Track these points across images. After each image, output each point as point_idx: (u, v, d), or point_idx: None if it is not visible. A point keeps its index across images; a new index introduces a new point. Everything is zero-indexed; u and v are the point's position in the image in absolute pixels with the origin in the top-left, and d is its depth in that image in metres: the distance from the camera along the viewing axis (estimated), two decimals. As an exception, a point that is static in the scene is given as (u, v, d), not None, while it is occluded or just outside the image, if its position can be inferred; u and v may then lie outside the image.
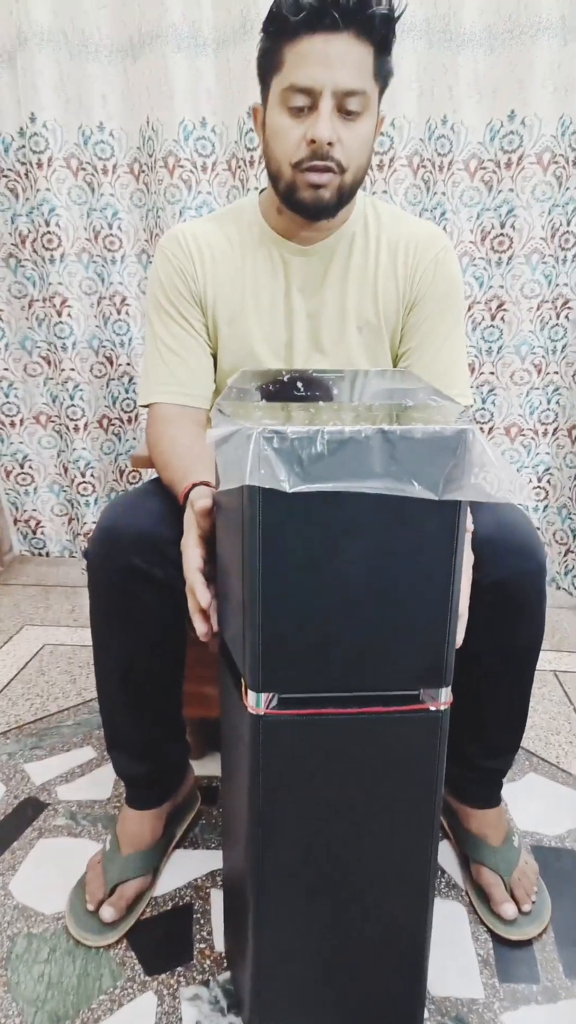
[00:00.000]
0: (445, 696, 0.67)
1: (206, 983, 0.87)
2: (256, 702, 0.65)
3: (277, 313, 0.98)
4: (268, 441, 0.57)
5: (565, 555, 1.81)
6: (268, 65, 0.85)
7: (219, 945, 0.91)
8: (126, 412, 1.84)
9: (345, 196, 0.88)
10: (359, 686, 0.66)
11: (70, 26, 1.55)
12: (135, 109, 1.60)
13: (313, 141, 0.82)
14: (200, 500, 0.75)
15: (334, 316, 0.98)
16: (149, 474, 1.79)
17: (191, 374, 0.98)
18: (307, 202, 0.87)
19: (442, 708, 0.67)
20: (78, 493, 1.85)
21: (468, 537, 0.72)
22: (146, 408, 1.00)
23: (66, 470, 1.89)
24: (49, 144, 1.59)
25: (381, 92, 0.86)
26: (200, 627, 0.72)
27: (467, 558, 0.71)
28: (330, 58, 0.79)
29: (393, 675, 0.66)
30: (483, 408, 1.75)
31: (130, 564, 0.82)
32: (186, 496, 0.80)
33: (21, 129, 1.62)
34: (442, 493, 0.59)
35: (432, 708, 0.67)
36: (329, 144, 0.82)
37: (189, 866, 1.04)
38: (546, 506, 1.83)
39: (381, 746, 0.68)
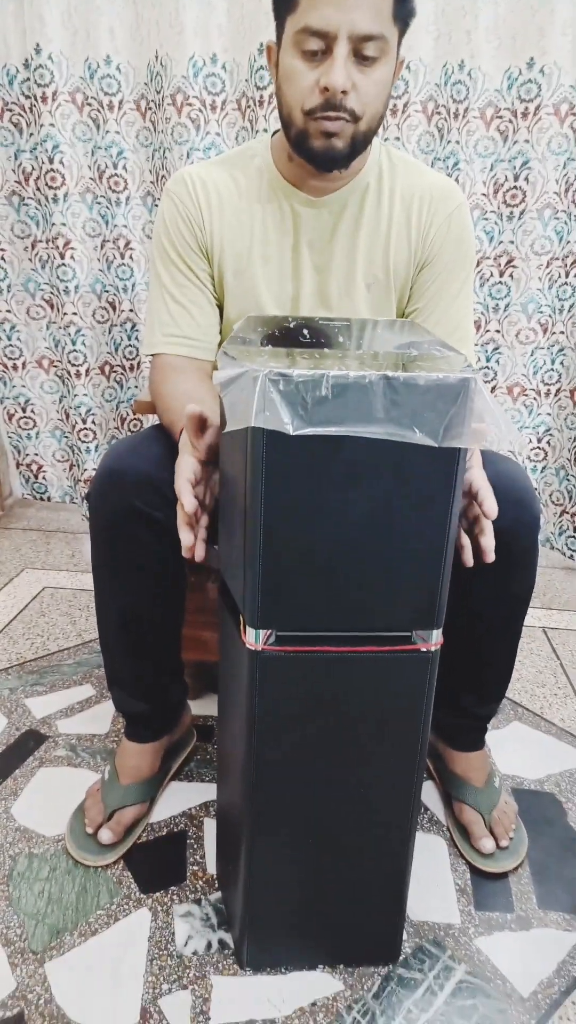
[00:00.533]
0: (436, 638, 0.70)
1: (198, 901, 0.92)
2: (255, 638, 0.68)
3: (284, 266, 0.96)
4: (274, 383, 0.58)
5: (560, 516, 1.84)
6: (283, 3, 0.81)
7: (211, 868, 0.96)
8: (128, 359, 1.83)
9: (359, 145, 0.85)
10: (354, 626, 0.69)
11: (78, -49, 1.49)
12: (144, 43, 1.55)
13: (326, 89, 0.79)
14: (189, 407, 0.73)
15: (342, 271, 0.96)
16: (151, 421, 1.80)
17: (196, 325, 0.97)
18: (318, 151, 0.84)
19: (433, 649, 0.70)
20: (79, 439, 1.86)
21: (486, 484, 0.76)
22: (149, 356, 1.00)
23: (67, 416, 1.89)
24: (54, 77, 1.54)
25: (401, 34, 0.82)
26: (186, 538, 0.71)
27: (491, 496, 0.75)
28: (346, 0, 0.75)
29: (387, 616, 0.68)
30: (487, 367, 1.75)
31: (131, 505, 0.84)
32: (181, 433, 0.81)
33: (26, 61, 1.57)
34: (442, 440, 0.60)
35: (423, 649, 0.70)
36: (343, 92, 0.79)
37: (184, 797, 1.08)
38: (544, 467, 1.84)
39: (373, 684, 0.71)
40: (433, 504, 0.64)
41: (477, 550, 0.75)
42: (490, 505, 0.72)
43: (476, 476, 0.74)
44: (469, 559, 0.75)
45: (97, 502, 0.87)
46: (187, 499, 0.70)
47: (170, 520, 0.84)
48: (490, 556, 0.73)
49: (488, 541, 0.73)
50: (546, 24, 1.46)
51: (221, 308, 1.00)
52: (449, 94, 1.52)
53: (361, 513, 0.64)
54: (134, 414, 1.88)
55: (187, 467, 0.74)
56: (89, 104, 1.60)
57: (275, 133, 0.95)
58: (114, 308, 1.77)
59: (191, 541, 0.72)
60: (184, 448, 0.77)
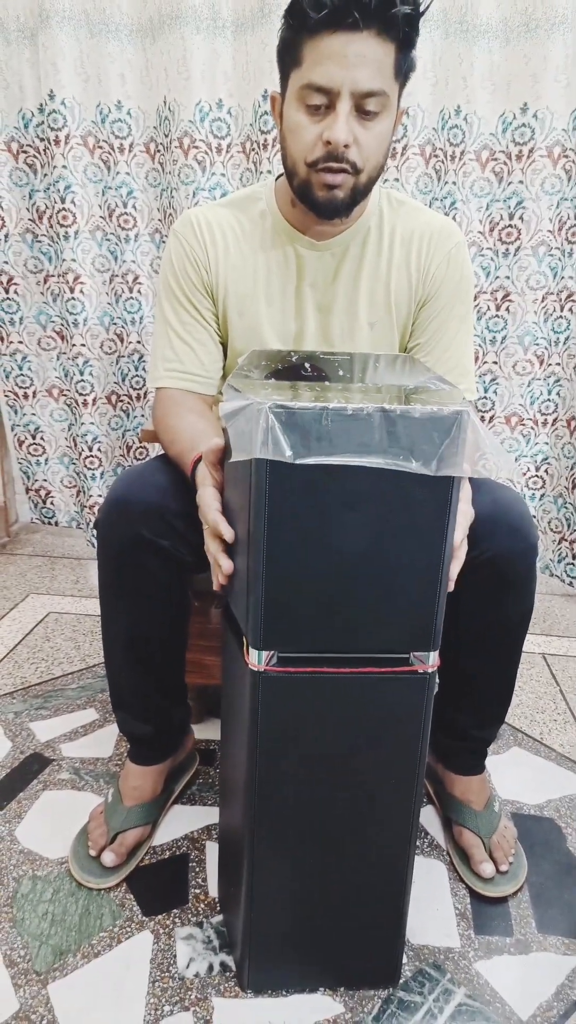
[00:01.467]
0: (433, 659, 0.72)
1: (200, 924, 0.92)
2: (257, 659, 0.70)
3: (288, 305, 0.99)
4: (276, 415, 0.61)
5: (559, 543, 1.86)
6: (288, 58, 0.85)
7: (213, 891, 0.97)
8: (135, 389, 1.88)
9: (359, 195, 0.89)
10: (354, 647, 0.71)
11: (91, 5, 1.56)
12: (153, 89, 1.62)
13: (329, 143, 0.82)
14: (212, 441, 0.78)
15: (345, 312, 0.99)
16: (156, 449, 1.84)
17: (199, 362, 1.00)
18: (321, 201, 0.87)
19: (430, 670, 0.72)
20: (85, 466, 1.89)
21: (468, 514, 0.76)
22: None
23: (75, 443, 1.93)
24: (67, 121, 1.61)
25: (402, 88, 0.86)
26: (226, 564, 0.73)
27: (462, 528, 0.74)
28: (349, 58, 0.78)
29: (385, 638, 0.71)
30: (485, 397, 1.79)
31: (138, 534, 0.86)
32: (194, 466, 0.84)
33: (40, 106, 1.64)
34: (437, 469, 0.63)
35: (420, 670, 0.72)
36: (345, 146, 0.82)
37: (186, 820, 1.09)
38: (543, 494, 1.87)
39: (372, 705, 0.73)
40: (428, 530, 0.67)
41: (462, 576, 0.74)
42: (457, 536, 0.70)
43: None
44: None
45: (105, 530, 0.89)
46: (226, 529, 0.73)
47: (175, 548, 0.87)
48: (449, 585, 0.70)
49: (452, 569, 0.70)
50: (539, 71, 1.52)
51: (225, 345, 1.04)
52: (446, 138, 1.59)
53: (360, 538, 0.66)
54: (140, 442, 1.92)
55: (213, 499, 0.76)
56: (100, 147, 1.67)
57: (279, 177, 0.98)
58: (121, 340, 1.82)
59: (229, 565, 0.74)
60: (205, 481, 0.79)
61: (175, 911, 0.94)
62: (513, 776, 1.22)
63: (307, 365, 0.80)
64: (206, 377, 1.01)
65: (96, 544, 0.93)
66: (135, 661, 0.97)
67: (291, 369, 0.80)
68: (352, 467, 0.63)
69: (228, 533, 0.73)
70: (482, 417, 1.81)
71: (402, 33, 0.80)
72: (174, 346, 1.00)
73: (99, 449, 1.88)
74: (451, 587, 0.71)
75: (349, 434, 0.62)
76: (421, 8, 0.80)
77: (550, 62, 1.51)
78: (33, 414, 1.93)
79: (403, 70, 0.84)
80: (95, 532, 0.93)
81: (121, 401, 1.88)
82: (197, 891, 0.98)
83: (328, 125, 0.82)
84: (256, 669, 0.71)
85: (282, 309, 0.99)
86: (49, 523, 2.04)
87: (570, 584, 1.85)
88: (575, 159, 1.57)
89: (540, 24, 1.49)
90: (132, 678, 0.99)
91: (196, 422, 0.94)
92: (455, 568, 0.70)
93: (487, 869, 0.98)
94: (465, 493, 0.77)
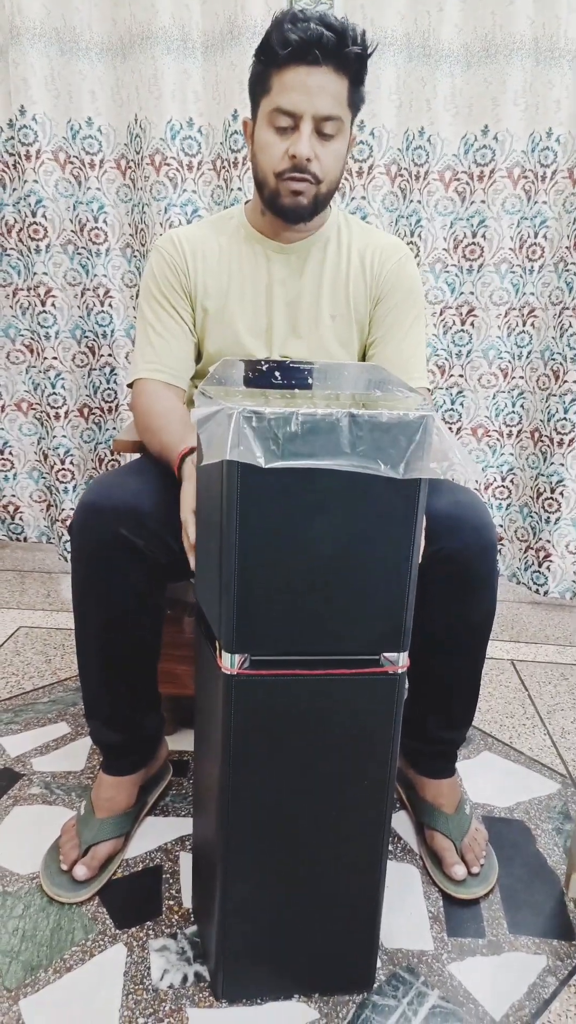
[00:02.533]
0: (403, 660, 0.73)
1: (174, 935, 0.92)
2: (230, 662, 0.71)
3: (259, 301, 1.09)
4: (247, 420, 0.62)
5: (525, 551, 1.90)
6: (258, 88, 0.98)
7: (187, 902, 0.97)
8: (107, 402, 1.88)
9: (320, 203, 1.01)
10: (325, 649, 0.72)
11: (62, 23, 1.58)
12: (124, 107, 1.64)
13: (294, 156, 0.96)
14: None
15: (310, 305, 1.09)
16: (130, 460, 1.83)
17: (174, 356, 1.08)
18: (287, 206, 1.00)
19: (400, 671, 0.74)
20: (57, 480, 1.88)
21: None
22: (130, 388, 1.09)
23: (46, 457, 1.92)
24: (38, 136, 1.62)
25: (353, 117, 1.01)
26: (193, 562, 0.81)
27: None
28: (311, 88, 0.93)
29: (356, 639, 0.72)
30: (452, 409, 1.83)
31: (115, 533, 0.87)
32: (181, 459, 0.89)
33: (10, 121, 1.65)
34: (404, 472, 0.65)
35: (391, 671, 0.73)
36: (308, 160, 0.96)
37: (159, 832, 1.09)
38: (509, 504, 1.91)
39: (344, 706, 0.74)
40: (397, 532, 0.68)
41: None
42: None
43: None
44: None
45: (79, 533, 0.90)
46: (192, 530, 0.81)
47: (150, 549, 0.88)
48: None
49: None
50: (499, 95, 1.58)
51: (200, 346, 1.11)
52: (411, 158, 1.63)
53: (330, 541, 0.68)
54: (113, 454, 1.92)
55: (192, 497, 0.82)
56: (71, 162, 1.68)
57: (247, 202, 1.11)
58: (93, 353, 1.82)
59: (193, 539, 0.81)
60: (190, 477, 0.85)
61: (148, 923, 0.93)
62: (484, 780, 1.24)
63: (277, 373, 0.82)
64: (180, 370, 1.09)
65: (70, 548, 0.94)
66: (109, 667, 0.97)
67: (262, 377, 0.81)
68: (322, 471, 0.64)
69: (193, 536, 0.80)
70: (449, 428, 1.84)
71: (354, 69, 0.95)
72: (152, 341, 1.08)
73: (71, 462, 1.88)
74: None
75: (319, 438, 0.64)
76: (369, 49, 0.96)
77: (509, 86, 1.57)
78: (1, 428, 1.92)
79: (354, 101, 0.99)
80: (69, 537, 0.93)
81: (93, 414, 1.88)
82: (171, 903, 0.97)
83: (293, 142, 0.96)
84: (229, 672, 0.71)
85: (254, 304, 1.09)
86: (17, 539, 2.02)
87: (536, 591, 1.89)
88: (534, 180, 1.63)
89: (499, 50, 1.55)
90: (105, 685, 0.99)
91: (183, 415, 1.00)
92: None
93: (459, 871, 0.99)
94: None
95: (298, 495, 0.66)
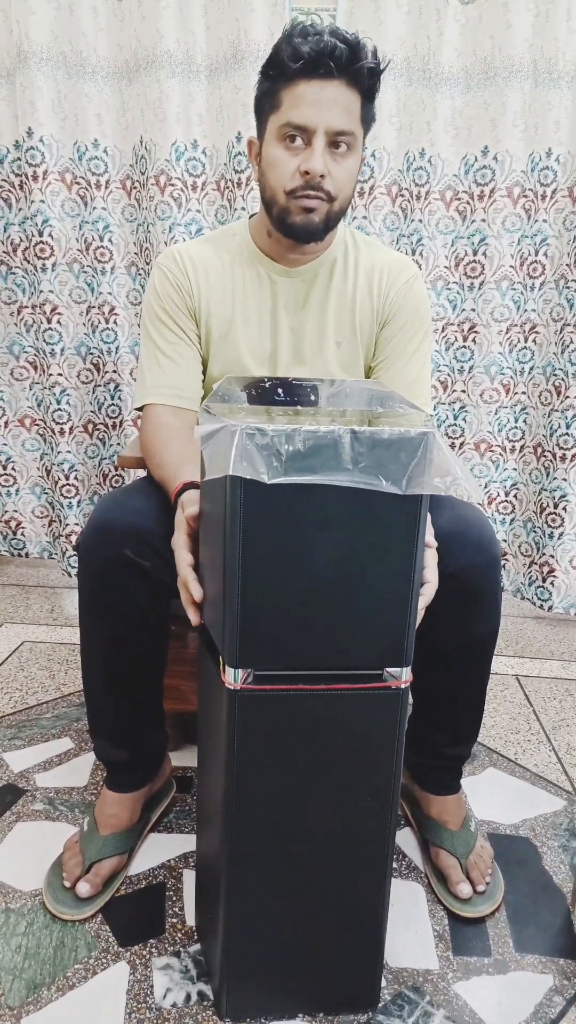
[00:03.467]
0: (405, 675, 0.73)
1: (177, 954, 0.91)
2: (233, 677, 0.71)
3: (264, 327, 1.06)
4: (250, 437, 0.63)
5: (529, 567, 1.90)
6: (266, 105, 0.95)
7: (190, 920, 0.96)
8: (111, 418, 1.89)
9: (332, 222, 0.98)
10: (328, 664, 0.72)
11: (69, 47, 1.62)
12: (129, 128, 1.67)
13: (307, 172, 0.92)
14: (190, 507, 0.83)
15: (315, 332, 1.07)
16: (134, 475, 1.85)
17: (184, 378, 1.06)
18: (299, 225, 0.96)
19: (402, 686, 0.74)
20: (61, 495, 1.89)
21: (431, 534, 0.80)
22: (139, 411, 1.07)
23: (49, 472, 1.93)
24: (45, 158, 1.65)
25: (365, 135, 0.98)
26: (193, 618, 0.80)
27: (433, 555, 0.79)
28: (323, 102, 0.90)
29: (359, 655, 0.72)
30: (455, 424, 1.84)
31: (121, 554, 0.88)
32: (177, 494, 0.87)
33: (17, 142, 1.68)
34: (406, 488, 0.66)
35: (393, 686, 0.73)
36: (321, 176, 0.92)
37: (163, 848, 1.08)
38: (512, 519, 1.91)
39: (347, 721, 0.75)
40: (399, 547, 0.69)
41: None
42: (428, 575, 0.76)
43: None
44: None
45: (87, 552, 0.90)
46: (195, 588, 0.78)
47: (157, 569, 0.88)
48: (417, 616, 0.74)
49: (420, 603, 0.75)
50: (498, 116, 1.61)
51: (205, 365, 1.09)
52: (411, 179, 1.66)
53: (333, 556, 0.68)
54: (117, 470, 1.93)
55: (187, 555, 0.81)
56: (78, 183, 1.70)
57: (252, 216, 1.08)
58: (98, 369, 1.84)
59: (198, 619, 0.80)
60: (180, 528, 0.83)
61: (152, 941, 0.93)
62: (489, 796, 1.23)
63: (280, 390, 0.83)
64: (189, 391, 1.06)
65: (76, 566, 0.94)
66: (113, 684, 0.97)
67: (264, 394, 0.82)
68: (324, 487, 0.65)
69: (198, 593, 0.78)
70: (452, 444, 1.85)
71: (366, 84, 0.92)
72: (160, 364, 1.05)
73: (75, 478, 1.89)
74: (419, 618, 0.74)
75: (321, 455, 0.64)
76: (381, 65, 0.93)
77: (508, 108, 1.59)
78: (4, 444, 1.93)
79: (366, 118, 0.96)
80: (76, 555, 0.93)
81: (98, 430, 1.89)
82: (174, 920, 0.96)
83: (305, 158, 0.92)
84: (232, 687, 0.71)
85: (259, 330, 1.06)
86: (19, 555, 2.03)
87: (541, 607, 1.88)
88: (534, 199, 1.65)
89: (498, 72, 1.58)
90: (110, 701, 0.99)
91: (183, 446, 0.97)
92: (423, 603, 0.74)
93: (464, 890, 0.98)
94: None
95: (300, 511, 0.67)
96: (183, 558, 0.81)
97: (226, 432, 0.64)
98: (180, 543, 0.82)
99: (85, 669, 0.98)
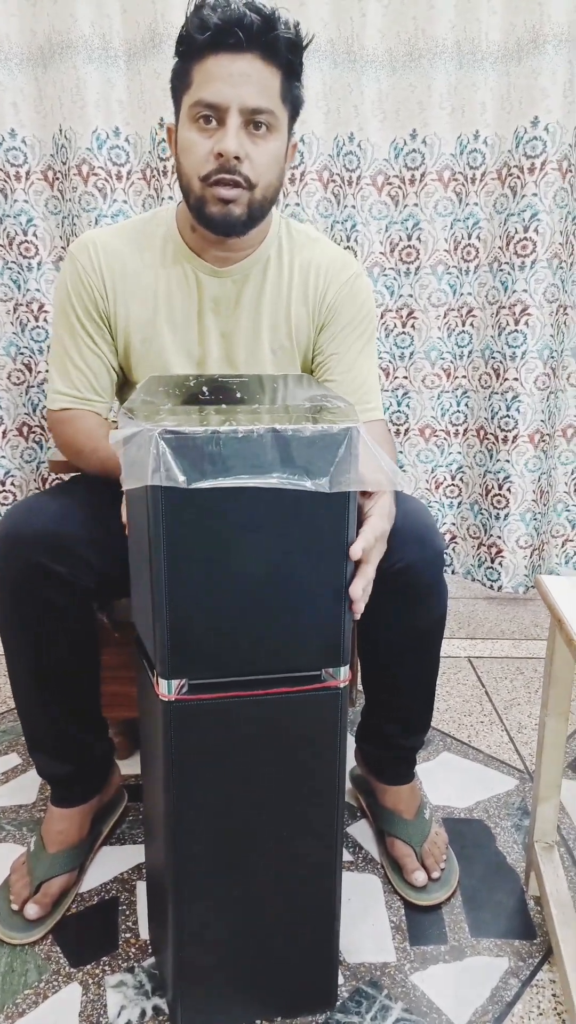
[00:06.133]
0: (344, 674, 0.72)
1: (131, 970, 0.89)
2: (167, 689, 0.69)
3: (191, 330, 0.99)
4: (167, 440, 0.61)
5: (478, 548, 1.92)
6: (179, 84, 0.88)
7: (144, 933, 0.94)
8: (47, 420, 1.83)
9: (255, 213, 0.89)
10: (265, 669, 0.71)
11: (-22, 33, 1.54)
12: (48, 117, 1.61)
13: (220, 155, 0.84)
14: None
15: (248, 337, 0.99)
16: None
17: (95, 388, 1.00)
18: (216, 216, 0.88)
19: (342, 685, 0.72)
20: (-1, 501, 1.83)
21: (386, 508, 0.77)
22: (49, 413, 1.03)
23: (-14, 478, 1.86)
24: (-40, 150, 1.58)
25: (292, 118, 0.90)
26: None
27: (381, 528, 0.75)
28: (235, 76, 0.82)
29: (296, 657, 0.71)
30: (398, 410, 1.84)
31: (36, 563, 0.83)
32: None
33: None
34: (332, 487, 0.64)
35: (332, 686, 0.72)
36: (236, 159, 0.84)
37: (115, 861, 1.06)
38: (460, 502, 1.93)
39: (288, 724, 0.73)
40: (329, 546, 0.67)
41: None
42: (355, 549, 0.69)
43: (370, 522, 0.74)
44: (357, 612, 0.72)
45: (1, 562, 0.86)
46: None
47: (74, 575, 0.85)
48: (357, 607, 0.70)
49: (354, 588, 0.70)
50: (424, 98, 1.59)
51: (126, 374, 1.03)
52: (342, 163, 1.63)
53: (262, 560, 0.66)
54: (52, 473, 1.87)
55: None
56: (-4, 175, 1.63)
57: (179, 203, 0.98)
58: (30, 369, 1.78)
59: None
60: None
61: (104, 958, 0.90)
62: (443, 781, 1.24)
63: (205, 389, 0.80)
64: (101, 401, 1.02)
65: None
66: (45, 697, 0.93)
67: (188, 393, 0.79)
68: (248, 489, 0.63)
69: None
70: (397, 430, 1.85)
71: (285, 59, 0.84)
72: (70, 372, 0.99)
73: (12, 483, 1.83)
74: (359, 608, 0.70)
75: (242, 456, 0.62)
76: (303, 38, 0.84)
77: (434, 90, 1.58)
78: None
79: (290, 97, 0.88)
80: None
81: (33, 432, 1.83)
82: (128, 935, 0.94)
83: (219, 139, 0.85)
84: (167, 699, 0.69)
85: (185, 334, 0.99)
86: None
87: (490, 587, 1.90)
88: (464, 182, 1.65)
89: (423, 54, 1.56)
90: (44, 715, 0.95)
91: (96, 430, 0.96)
92: (358, 585, 0.70)
93: (419, 878, 0.99)
94: (381, 507, 0.77)
95: (225, 515, 0.65)
96: None
97: (143, 436, 0.62)
98: None
99: (14, 684, 0.95)
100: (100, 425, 1.00)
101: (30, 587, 0.85)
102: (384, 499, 0.78)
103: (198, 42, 0.82)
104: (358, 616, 0.71)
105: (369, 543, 0.71)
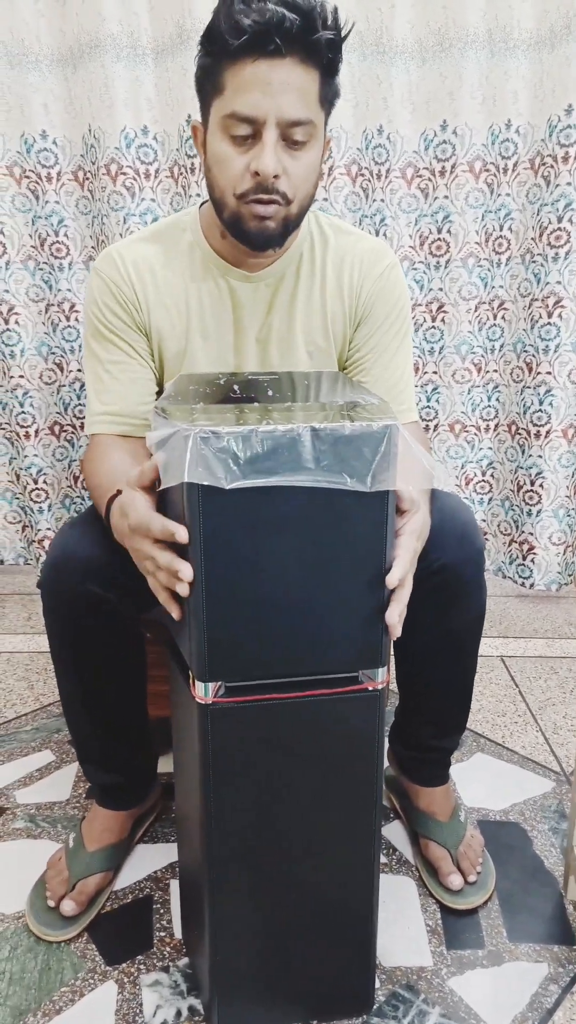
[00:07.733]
0: (381, 675, 0.71)
1: (166, 969, 0.89)
2: (204, 691, 0.69)
3: (225, 339, 0.95)
4: (205, 441, 0.60)
5: (509, 545, 1.89)
6: (208, 85, 0.81)
7: (178, 933, 0.94)
8: (78, 418, 1.84)
9: (291, 226, 0.86)
10: (301, 671, 0.70)
11: (9, 36, 1.55)
12: (77, 117, 1.61)
13: (257, 173, 0.79)
14: (136, 469, 0.70)
15: (283, 341, 0.96)
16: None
17: (133, 401, 0.94)
18: (253, 233, 0.84)
19: (379, 687, 0.71)
20: (31, 500, 1.85)
21: (418, 526, 0.72)
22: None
23: (18, 477, 1.88)
24: (-9, 152, 1.59)
25: (327, 116, 0.84)
26: (175, 612, 0.69)
27: (413, 548, 0.71)
28: (273, 86, 0.76)
29: (333, 659, 0.70)
30: (428, 406, 1.81)
31: (83, 590, 0.83)
32: (109, 504, 0.79)
33: (-39, 137, 1.61)
34: (371, 485, 0.63)
35: (370, 688, 0.71)
36: (275, 177, 0.79)
37: (148, 859, 1.06)
38: (491, 499, 1.90)
39: (324, 727, 0.72)
40: (367, 546, 0.66)
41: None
42: (391, 576, 0.67)
43: (403, 542, 0.69)
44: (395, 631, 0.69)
45: (49, 591, 0.86)
46: (179, 529, 0.64)
47: (122, 602, 0.84)
48: (394, 632, 0.68)
49: (390, 615, 0.68)
50: (455, 89, 1.56)
51: (160, 384, 0.99)
52: (371, 157, 1.61)
53: (299, 560, 0.66)
54: (82, 473, 1.89)
55: (148, 506, 0.69)
56: (27, 176, 1.64)
57: (203, 204, 0.95)
58: (61, 369, 1.79)
59: (180, 614, 0.69)
60: (133, 501, 0.71)
61: (140, 957, 0.91)
62: (478, 783, 1.22)
63: (236, 387, 0.80)
64: (139, 418, 0.94)
65: (42, 604, 0.88)
66: (93, 717, 0.95)
67: (219, 392, 0.79)
68: (286, 488, 0.62)
69: (182, 534, 0.63)
70: (427, 426, 1.83)
71: (326, 59, 0.78)
72: (107, 386, 0.94)
73: (45, 482, 1.84)
74: (396, 634, 0.68)
75: (280, 455, 0.62)
76: (343, 33, 0.78)
77: (465, 80, 1.55)
78: (-29, 450, 1.88)
79: (328, 97, 0.83)
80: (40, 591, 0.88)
81: (64, 431, 1.85)
82: (162, 934, 0.94)
83: (255, 156, 0.79)
84: (203, 702, 0.69)
85: (219, 343, 0.96)
86: (-6, 561, 1.98)
87: (523, 584, 1.87)
88: (496, 172, 1.62)
89: (453, 43, 1.53)
90: (92, 733, 0.97)
91: (118, 463, 0.87)
92: (394, 611, 0.67)
93: (455, 881, 0.97)
94: (412, 525, 0.71)
95: (264, 514, 0.64)
96: (143, 511, 0.68)
97: (179, 437, 0.61)
98: (140, 506, 0.69)
99: (64, 702, 0.96)
100: (118, 468, 0.87)
101: (81, 613, 0.85)
102: (417, 516, 0.72)
103: (232, 46, 0.75)
104: (395, 639, 0.70)
105: (405, 570, 0.68)
